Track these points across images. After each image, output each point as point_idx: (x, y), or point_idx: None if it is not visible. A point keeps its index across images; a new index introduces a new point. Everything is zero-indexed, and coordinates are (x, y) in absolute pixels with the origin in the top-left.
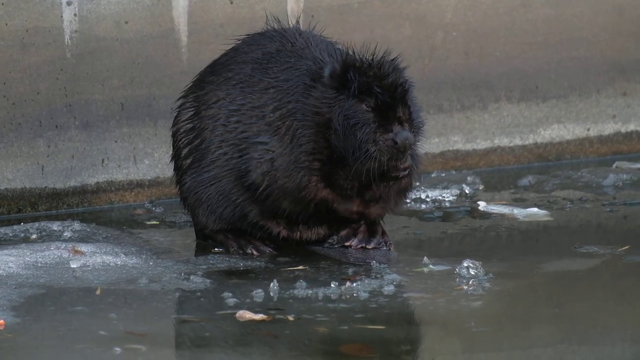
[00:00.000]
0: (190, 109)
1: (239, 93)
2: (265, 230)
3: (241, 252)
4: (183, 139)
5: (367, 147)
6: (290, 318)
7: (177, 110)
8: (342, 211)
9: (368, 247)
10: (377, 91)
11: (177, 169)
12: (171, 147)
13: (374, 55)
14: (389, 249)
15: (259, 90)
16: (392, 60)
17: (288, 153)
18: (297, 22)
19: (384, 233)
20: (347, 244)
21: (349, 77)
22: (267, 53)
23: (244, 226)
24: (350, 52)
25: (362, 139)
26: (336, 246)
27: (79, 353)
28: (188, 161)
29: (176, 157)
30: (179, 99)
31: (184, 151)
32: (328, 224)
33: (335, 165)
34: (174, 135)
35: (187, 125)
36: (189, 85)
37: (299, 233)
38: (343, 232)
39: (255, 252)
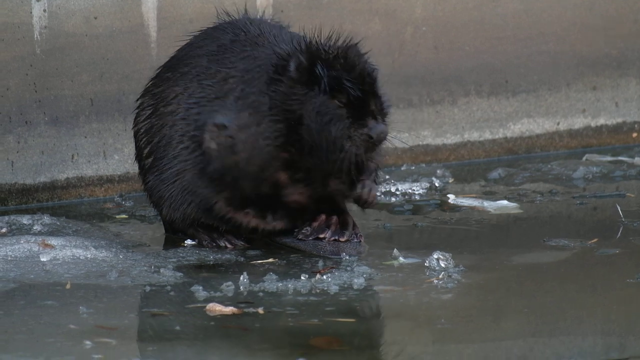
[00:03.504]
0: (148, 108)
1: (197, 86)
2: (233, 223)
3: (214, 244)
4: (143, 139)
5: (342, 142)
6: (261, 311)
7: (137, 110)
8: (289, 198)
9: (341, 239)
10: (347, 85)
11: (141, 168)
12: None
13: (334, 42)
14: (360, 241)
15: (217, 82)
16: (355, 46)
17: (252, 142)
18: (245, 11)
19: (354, 225)
20: (320, 236)
21: (317, 72)
22: (222, 45)
23: (209, 221)
24: (305, 39)
25: (336, 135)
26: (310, 238)
27: (49, 347)
28: (150, 160)
29: (139, 157)
30: (137, 100)
31: (145, 150)
32: (294, 215)
33: (303, 156)
34: (135, 135)
35: (146, 125)
36: (147, 85)
37: (270, 220)
38: (315, 224)
39: (228, 245)
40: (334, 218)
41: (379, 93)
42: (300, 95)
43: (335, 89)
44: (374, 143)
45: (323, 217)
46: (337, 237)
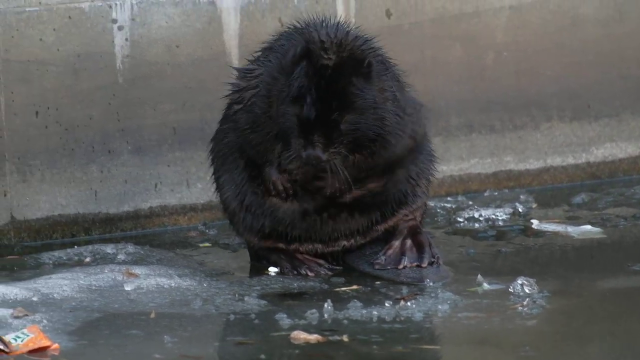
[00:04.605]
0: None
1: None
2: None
3: (295, 272)
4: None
5: (289, 143)
6: (345, 339)
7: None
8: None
9: (423, 265)
10: (306, 102)
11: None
12: None
13: (349, 46)
14: (439, 265)
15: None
16: (357, 61)
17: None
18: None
19: (430, 245)
20: (399, 267)
21: (295, 72)
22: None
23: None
24: (323, 33)
25: (285, 137)
26: (388, 267)
27: None
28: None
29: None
30: None
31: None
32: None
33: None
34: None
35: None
36: None
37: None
38: (390, 251)
39: (309, 273)
40: (408, 242)
41: (339, 122)
42: (280, 84)
43: (297, 98)
44: (306, 163)
45: (396, 243)
46: (418, 263)
